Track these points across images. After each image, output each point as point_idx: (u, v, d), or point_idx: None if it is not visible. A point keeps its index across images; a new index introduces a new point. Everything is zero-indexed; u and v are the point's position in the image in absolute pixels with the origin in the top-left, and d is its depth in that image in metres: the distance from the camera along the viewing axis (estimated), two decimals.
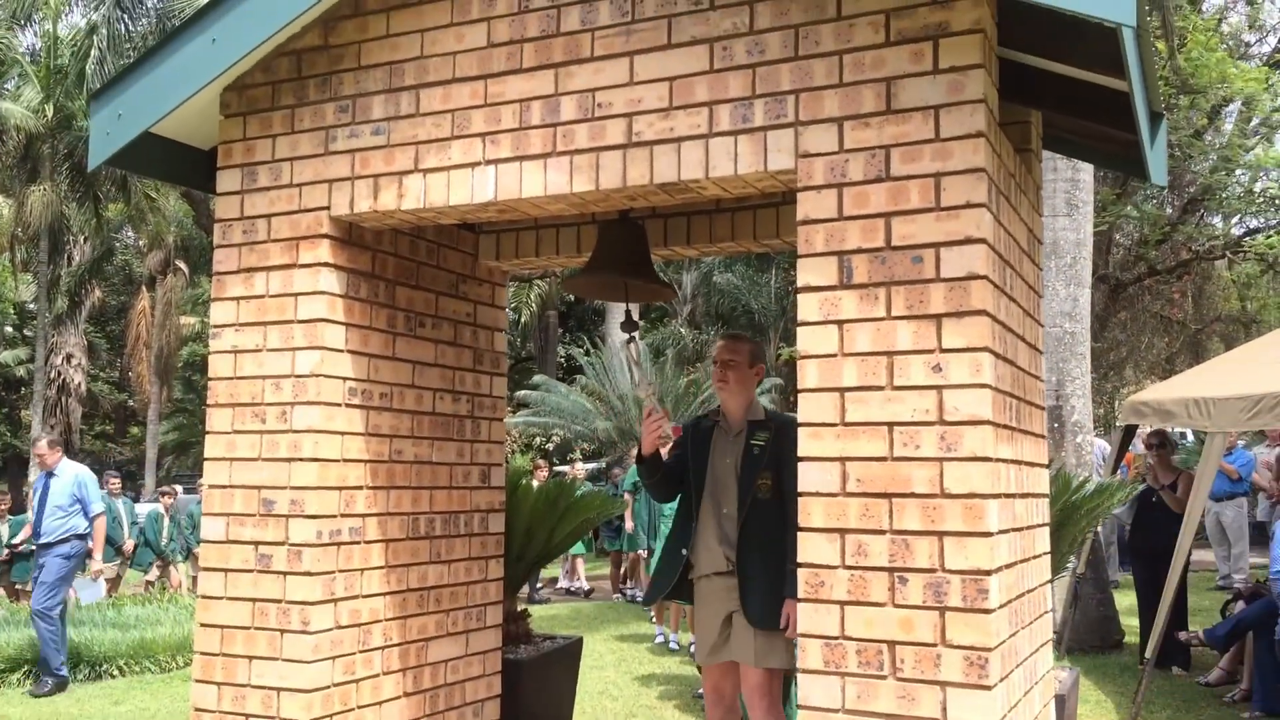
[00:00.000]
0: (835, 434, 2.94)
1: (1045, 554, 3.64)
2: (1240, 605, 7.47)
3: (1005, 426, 3.02)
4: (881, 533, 2.87)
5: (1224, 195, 18.55)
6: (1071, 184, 8.79)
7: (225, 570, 3.72)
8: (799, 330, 3.00)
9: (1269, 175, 18.02)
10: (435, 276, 4.22)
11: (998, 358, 2.93)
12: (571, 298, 27.70)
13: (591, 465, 16.13)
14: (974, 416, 2.80)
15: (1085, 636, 8.46)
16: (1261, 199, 18.23)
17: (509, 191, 3.39)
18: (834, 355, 2.96)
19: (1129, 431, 8.11)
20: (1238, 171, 18.11)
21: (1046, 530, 3.68)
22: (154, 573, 13.90)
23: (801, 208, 3.03)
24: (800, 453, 2.98)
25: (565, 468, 15.17)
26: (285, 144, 3.77)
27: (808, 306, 3.00)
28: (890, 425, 2.88)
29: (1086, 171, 8.90)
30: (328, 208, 3.66)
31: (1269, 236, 18.43)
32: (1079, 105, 3.49)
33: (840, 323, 2.96)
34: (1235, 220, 20.55)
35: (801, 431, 2.98)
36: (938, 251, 2.87)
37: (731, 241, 4.10)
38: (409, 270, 4.08)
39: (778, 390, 19.74)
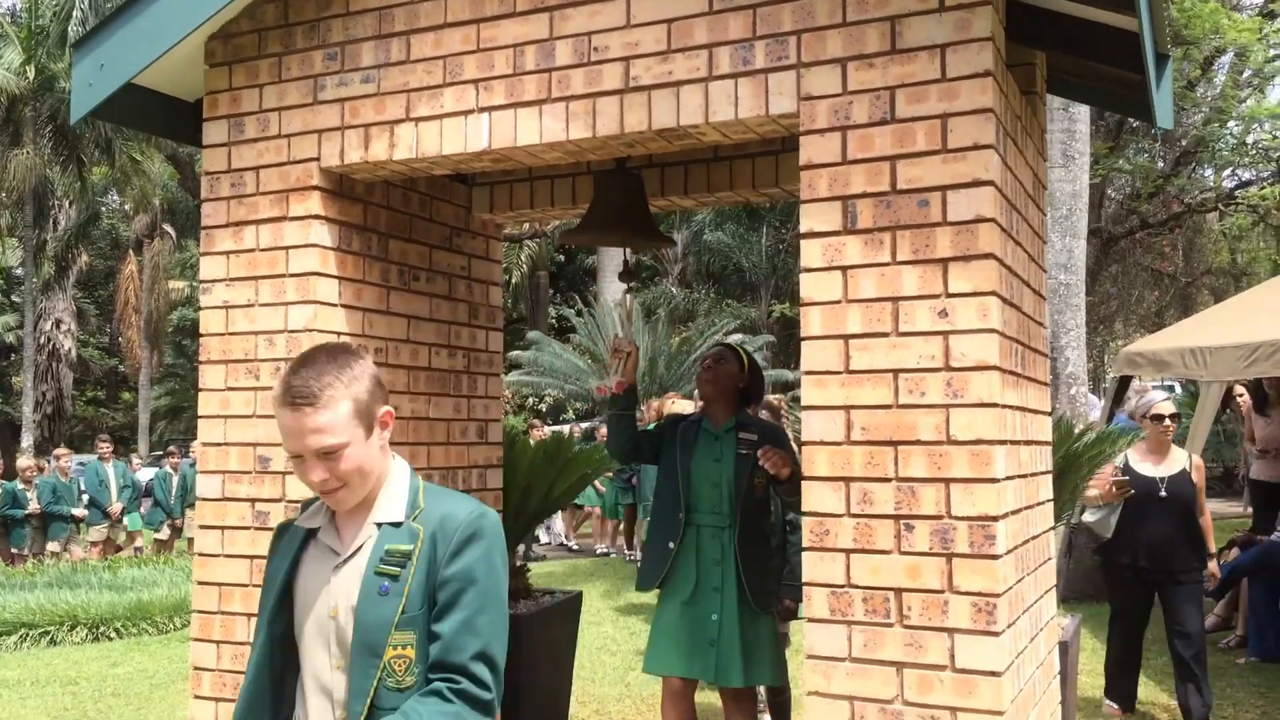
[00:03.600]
0: (839, 382, 2.89)
1: (1049, 501, 3.62)
2: (1235, 553, 7.51)
3: (1011, 373, 2.98)
4: (887, 480, 2.83)
5: (1216, 147, 18.47)
6: (1068, 135, 8.72)
7: (222, 528, 3.68)
8: (802, 276, 2.95)
9: (1262, 127, 17.92)
10: (428, 230, 4.15)
11: (1004, 302, 2.89)
12: (562, 257, 27.61)
13: (585, 424, 16.09)
14: (981, 362, 2.76)
15: (1080, 585, 8.51)
16: (1255, 151, 18.14)
17: (503, 140, 3.32)
18: (838, 302, 2.91)
19: (1124, 382, 8.11)
20: (1230, 123, 18.02)
21: (1050, 478, 3.66)
22: (165, 532, 14.08)
23: (804, 152, 2.96)
24: (804, 401, 2.94)
25: (561, 428, 15.15)
26: (273, 93, 3.69)
27: (810, 252, 2.94)
28: (895, 372, 2.84)
29: (1083, 122, 8.82)
30: (317, 159, 3.58)
31: (1262, 188, 18.37)
32: (1084, 46, 3.41)
33: (844, 269, 2.90)
34: (1227, 173, 20.48)
35: (805, 380, 2.93)
36: (944, 194, 2.81)
37: (730, 191, 4.04)
38: (401, 223, 4.01)
39: (769, 347, 19.72)
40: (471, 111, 3.37)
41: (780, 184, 3.95)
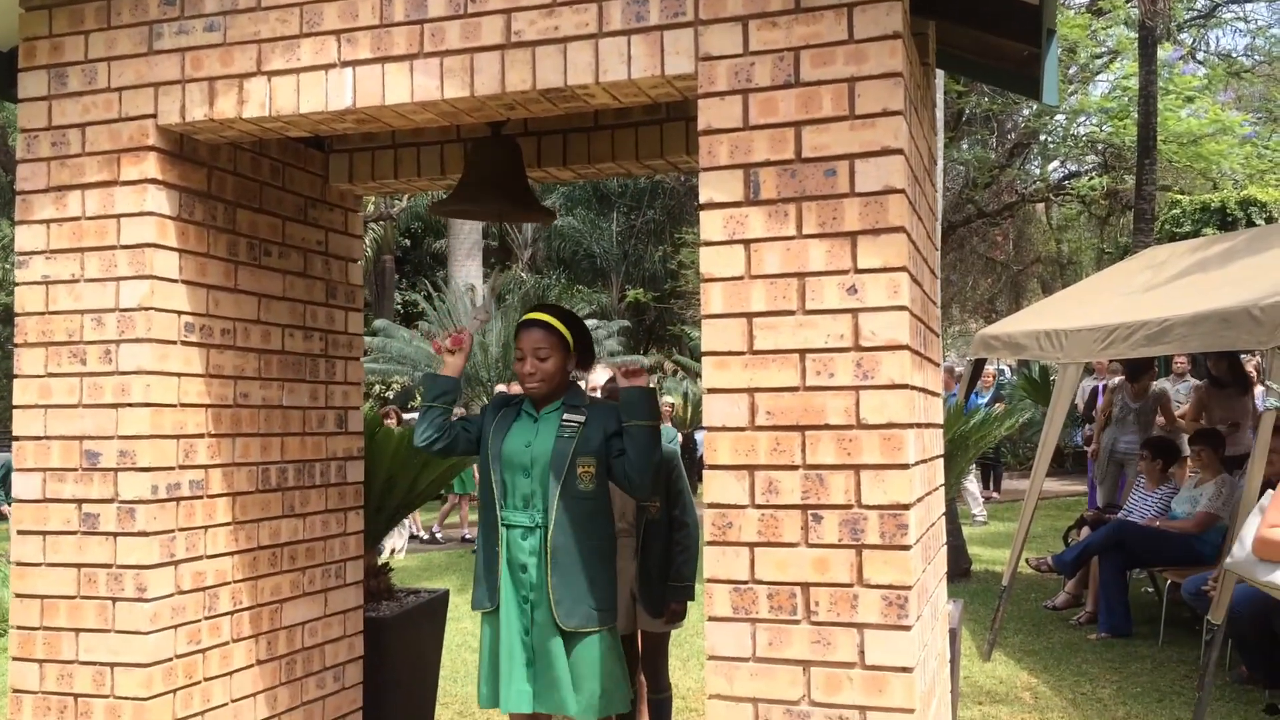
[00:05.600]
0: (743, 363, 2.71)
1: (942, 486, 3.53)
2: (1085, 531, 7.74)
3: (917, 352, 2.85)
4: (794, 468, 2.66)
5: (1046, 139, 19.25)
6: None
7: (44, 533, 3.25)
8: (701, 250, 2.75)
9: (1089, 120, 18.78)
10: (281, 199, 3.78)
11: (912, 279, 2.75)
12: (408, 241, 26.86)
13: None
14: (892, 341, 2.61)
15: None
16: (1083, 143, 18.99)
17: (370, 98, 3.00)
18: (740, 278, 2.72)
19: (978, 365, 8.25)
20: (1059, 116, 18.80)
21: (942, 462, 3.57)
22: None
23: (703, 116, 2.75)
24: (705, 384, 2.74)
25: (414, 415, 14.65)
26: (101, 41, 3.26)
27: (711, 225, 2.74)
28: (802, 352, 2.67)
29: (939, 107, 8.94)
30: (154, 115, 3.19)
31: (1090, 179, 19.26)
32: (979, 17, 3.32)
33: (747, 242, 2.71)
34: (1055, 164, 21.42)
35: (706, 361, 2.74)
36: (852, 164, 2.65)
37: (611, 162, 3.80)
38: (251, 191, 3.63)
39: (624, 333, 19.61)
40: (333, 66, 3.04)
41: (665, 155, 3.74)
